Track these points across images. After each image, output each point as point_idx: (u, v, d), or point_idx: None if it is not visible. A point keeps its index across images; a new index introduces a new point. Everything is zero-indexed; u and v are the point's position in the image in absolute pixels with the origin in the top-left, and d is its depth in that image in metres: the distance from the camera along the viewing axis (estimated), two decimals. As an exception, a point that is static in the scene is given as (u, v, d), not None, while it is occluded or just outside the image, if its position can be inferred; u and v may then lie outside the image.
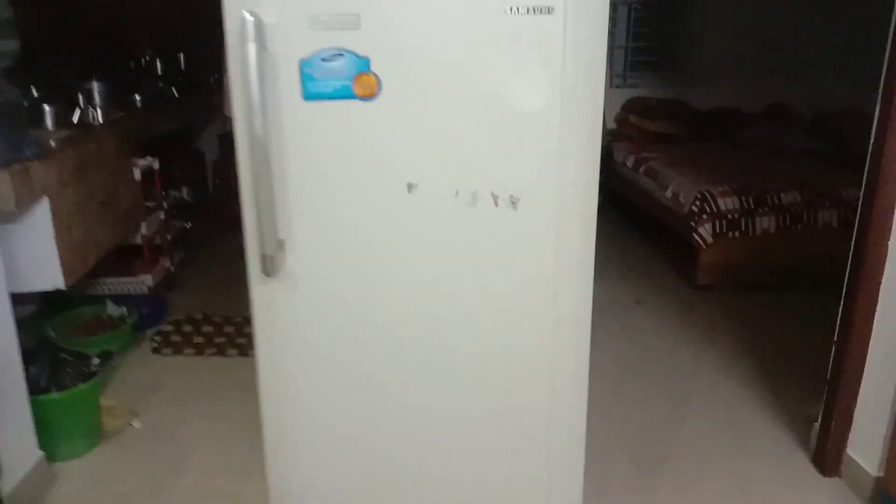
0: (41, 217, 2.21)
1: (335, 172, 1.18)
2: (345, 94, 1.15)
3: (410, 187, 1.20)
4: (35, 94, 2.74)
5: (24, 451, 2.01)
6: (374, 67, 1.14)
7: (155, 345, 2.74)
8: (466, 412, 1.32)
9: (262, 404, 1.28)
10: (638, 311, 3.13)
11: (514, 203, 1.22)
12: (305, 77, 1.14)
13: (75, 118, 2.66)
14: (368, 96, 1.15)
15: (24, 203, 2.08)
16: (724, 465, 2.10)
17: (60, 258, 2.26)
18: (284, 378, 1.26)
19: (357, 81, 1.14)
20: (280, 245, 1.17)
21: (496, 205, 1.22)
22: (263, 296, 1.22)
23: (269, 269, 1.14)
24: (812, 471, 2.08)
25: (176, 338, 2.79)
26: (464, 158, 1.20)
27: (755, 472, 2.06)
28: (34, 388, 2.09)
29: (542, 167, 1.21)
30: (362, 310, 1.24)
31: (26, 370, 2.11)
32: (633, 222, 4.12)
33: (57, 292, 2.30)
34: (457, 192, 1.21)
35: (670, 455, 2.14)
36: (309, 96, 1.14)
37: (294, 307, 1.22)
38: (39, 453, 2.05)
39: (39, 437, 2.07)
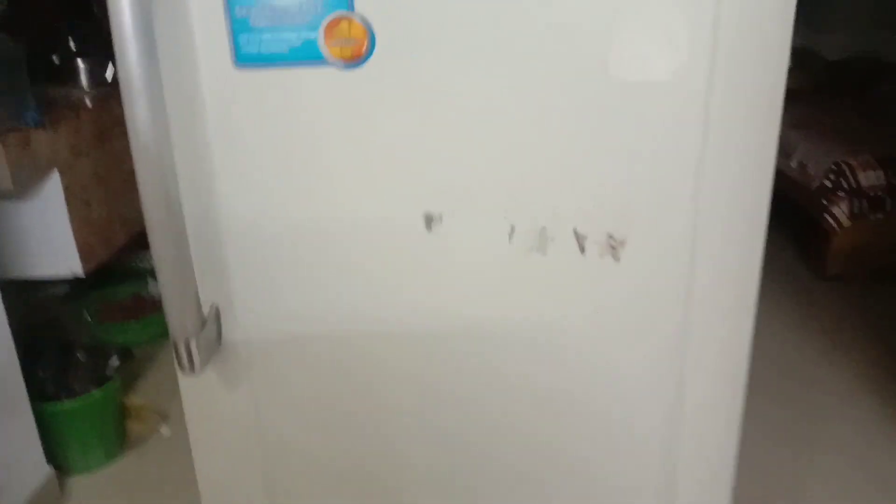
0: (51, 193, 1.78)
1: (297, 197, 0.63)
2: (308, 56, 0.59)
3: (430, 221, 0.64)
4: (74, 47, 2.31)
5: (30, 467, 1.63)
6: (359, 6, 0.58)
7: (198, 329, 2.32)
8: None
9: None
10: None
11: (614, 248, 0.65)
12: (237, 25, 0.58)
13: (109, 75, 2.22)
14: (352, 60, 0.59)
15: (23, 179, 1.66)
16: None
17: (77, 240, 1.83)
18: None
19: (330, 32, 0.58)
20: (209, 319, 0.65)
21: (582, 251, 0.65)
22: (195, 395, 0.70)
23: (187, 362, 0.62)
24: None
25: (222, 321, 2.36)
26: (524, 171, 0.62)
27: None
28: (42, 395, 1.71)
29: (668, 188, 0.62)
30: (347, 422, 0.70)
31: (34, 373, 1.73)
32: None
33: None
34: (511, 230, 0.64)
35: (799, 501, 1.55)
36: (244, 59, 0.59)
37: (241, 418, 0.70)
38: (48, 469, 1.68)
39: (50, 449, 1.69)
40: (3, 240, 1.75)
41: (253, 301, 0.66)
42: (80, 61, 2.20)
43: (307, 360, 0.69)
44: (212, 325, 0.65)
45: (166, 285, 0.59)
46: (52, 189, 1.78)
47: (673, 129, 0.61)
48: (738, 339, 0.69)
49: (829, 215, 2.46)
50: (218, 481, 0.74)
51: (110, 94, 2.09)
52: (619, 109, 0.60)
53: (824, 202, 2.48)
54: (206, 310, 0.65)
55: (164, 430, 1.90)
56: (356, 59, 0.59)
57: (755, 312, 0.70)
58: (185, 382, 0.70)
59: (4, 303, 1.58)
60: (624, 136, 0.61)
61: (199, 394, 0.70)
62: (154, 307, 2.32)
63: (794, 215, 2.78)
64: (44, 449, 1.66)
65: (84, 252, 1.85)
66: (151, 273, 2.39)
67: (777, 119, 0.60)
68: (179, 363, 0.62)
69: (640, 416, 0.70)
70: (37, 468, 1.65)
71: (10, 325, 1.59)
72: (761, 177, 0.63)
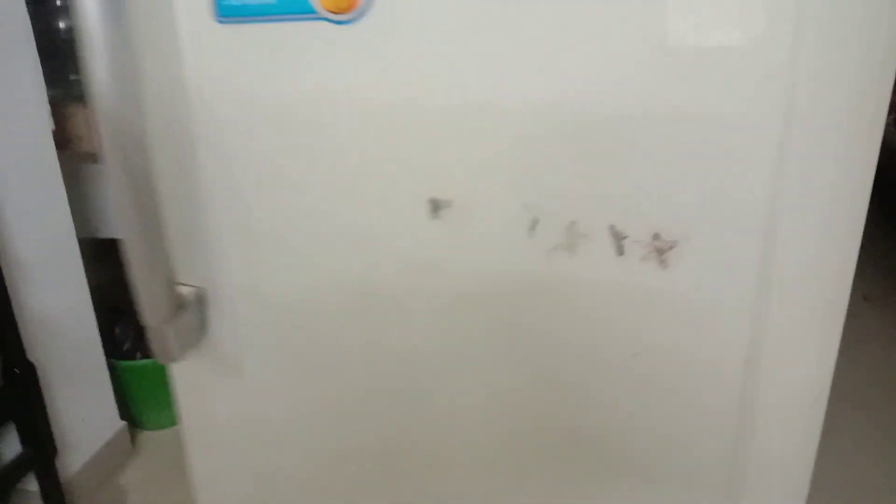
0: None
1: (287, 170, 0.55)
2: (297, 8, 0.49)
3: (436, 206, 0.54)
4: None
5: (103, 420, 1.69)
6: (353, -54, 0.48)
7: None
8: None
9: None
10: (865, 310, 2.19)
11: (661, 251, 0.52)
12: (216, -28, 0.50)
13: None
14: (346, 12, 0.49)
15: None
16: None
17: (159, 205, 1.87)
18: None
19: (320, -21, 0.49)
20: (189, 304, 0.58)
21: (620, 253, 0.53)
22: (184, 384, 0.64)
23: (161, 349, 0.56)
24: None
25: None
26: (551, 152, 0.51)
27: None
28: (118, 353, 1.75)
29: (737, 179, 0.49)
30: (343, 420, 0.62)
31: (111, 331, 1.78)
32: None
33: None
34: (533, 222, 0.53)
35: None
36: (226, 12, 0.51)
37: (231, 411, 0.64)
38: (120, 423, 1.73)
39: (123, 404, 1.74)
40: (91, 201, 1.80)
41: (241, 286, 0.59)
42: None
43: (301, 350, 0.61)
44: (192, 311, 0.58)
45: (135, 267, 0.52)
46: (138, 154, 1.81)
47: (745, 106, 0.47)
48: (819, 372, 0.55)
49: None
50: (210, 476, 0.68)
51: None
52: (675, 80, 0.47)
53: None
54: (188, 294, 0.58)
55: (233, 396, 1.92)
56: (351, 12, 0.49)
57: (840, 334, 0.55)
58: (176, 370, 0.64)
59: (88, 262, 1.62)
60: (680, 114, 0.48)
61: (189, 382, 0.64)
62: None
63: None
64: (117, 404, 1.71)
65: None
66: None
67: (886, 99, 0.45)
68: (153, 350, 0.56)
69: (696, 468, 0.58)
70: (109, 421, 1.70)
71: (92, 283, 1.63)
72: (861, 168, 0.48)
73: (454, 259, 0.55)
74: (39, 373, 1.46)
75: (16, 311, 1.39)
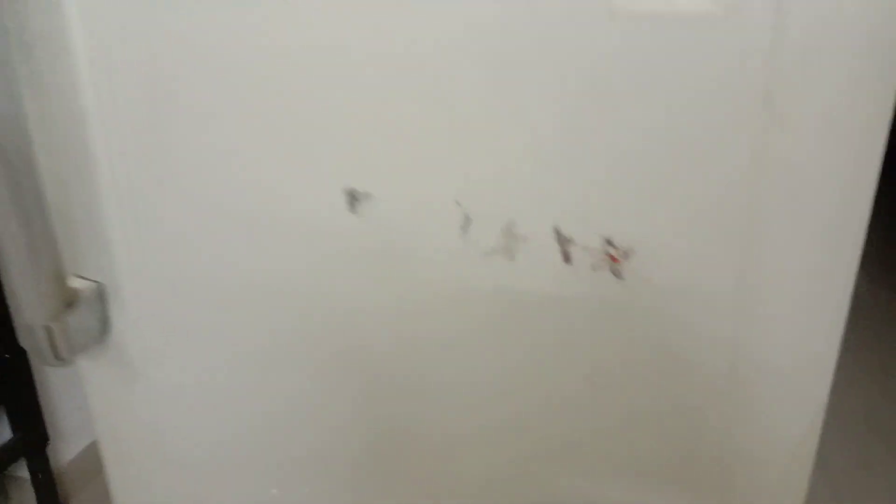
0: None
1: (191, 155, 0.47)
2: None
3: (354, 199, 0.46)
4: None
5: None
6: None
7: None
8: None
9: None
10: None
11: (614, 260, 0.43)
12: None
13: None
14: (241, -35, 0.42)
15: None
16: None
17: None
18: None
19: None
20: (83, 301, 0.51)
21: (567, 260, 0.44)
22: (94, 387, 0.58)
23: (47, 351, 0.49)
24: None
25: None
26: (485, 138, 0.42)
27: None
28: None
29: (708, 175, 0.40)
30: (256, 428, 0.55)
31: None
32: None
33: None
34: (465, 220, 0.45)
35: None
36: (111, -34, 0.44)
37: (139, 420, 0.57)
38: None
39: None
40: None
41: (144, 280, 0.52)
42: None
43: (209, 354, 0.53)
44: (87, 309, 0.51)
45: (11, 257, 0.46)
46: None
47: (717, 87, 0.38)
48: (809, 421, 0.45)
49: None
50: (128, 492, 0.61)
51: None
52: (632, 55, 0.38)
53: None
54: (83, 288, 0.51)
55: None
56: (248, -35, 0.41)
57: (832, 373, 0.45)
58: (85, 372, 0.57)
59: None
60: (637, 96, 0.39)
61: (97, 386, 0.57)
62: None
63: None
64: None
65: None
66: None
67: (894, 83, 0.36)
68: (33, 351, 0.49)
69: None
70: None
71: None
72: (861, 161, 0.38)
73: (377, 259, 0.47)
74: (31, 359, 1.43)
75: (7, 294, 1.36)
